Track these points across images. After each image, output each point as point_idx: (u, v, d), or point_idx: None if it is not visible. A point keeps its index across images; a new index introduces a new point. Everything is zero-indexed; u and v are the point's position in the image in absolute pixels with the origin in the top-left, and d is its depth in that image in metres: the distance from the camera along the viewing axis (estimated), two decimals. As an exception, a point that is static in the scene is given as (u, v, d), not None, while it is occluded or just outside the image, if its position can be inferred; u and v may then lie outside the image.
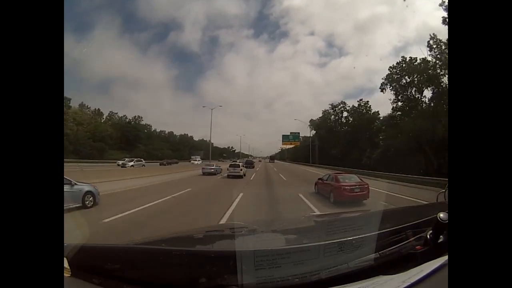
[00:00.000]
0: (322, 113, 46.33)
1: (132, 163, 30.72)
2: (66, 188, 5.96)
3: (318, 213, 6.33)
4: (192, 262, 0.89)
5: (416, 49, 55.17)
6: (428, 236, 1.03)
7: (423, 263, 0.94)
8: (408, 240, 1.05)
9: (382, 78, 29.66)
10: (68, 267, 0.89)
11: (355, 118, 40.44)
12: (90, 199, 6.70)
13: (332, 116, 44.64)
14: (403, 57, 29.03)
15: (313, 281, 0.85)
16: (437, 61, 24.49)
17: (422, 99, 27.01)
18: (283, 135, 44.27)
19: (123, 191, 10.64)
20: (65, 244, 0.90)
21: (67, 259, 0.90)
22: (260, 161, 69.28)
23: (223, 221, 5.94)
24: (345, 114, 43.17)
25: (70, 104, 40.87)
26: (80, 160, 28.41)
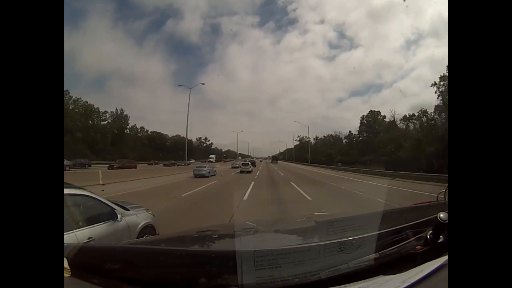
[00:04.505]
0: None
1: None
2: (211, 169, 22.48)
3: (318, 213, 6.37)
4: (192, 262, 0.89)
5: (428, 43, 52.77)
6: (428, 236, 1.03)
7: (423, 263, 0.94)
8: (408, 240, 1.05)
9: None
10: (68, 267, 0.89)
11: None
12: (215, 173, 22.43)
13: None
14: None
15: (313, 281, 0.84)
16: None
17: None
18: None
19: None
20: (65, 244, 0.90)
21: (67, 259, 0.90)
22: (261, 161, 69.32)
23: (251, 187, 13.09)
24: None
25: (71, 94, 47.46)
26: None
